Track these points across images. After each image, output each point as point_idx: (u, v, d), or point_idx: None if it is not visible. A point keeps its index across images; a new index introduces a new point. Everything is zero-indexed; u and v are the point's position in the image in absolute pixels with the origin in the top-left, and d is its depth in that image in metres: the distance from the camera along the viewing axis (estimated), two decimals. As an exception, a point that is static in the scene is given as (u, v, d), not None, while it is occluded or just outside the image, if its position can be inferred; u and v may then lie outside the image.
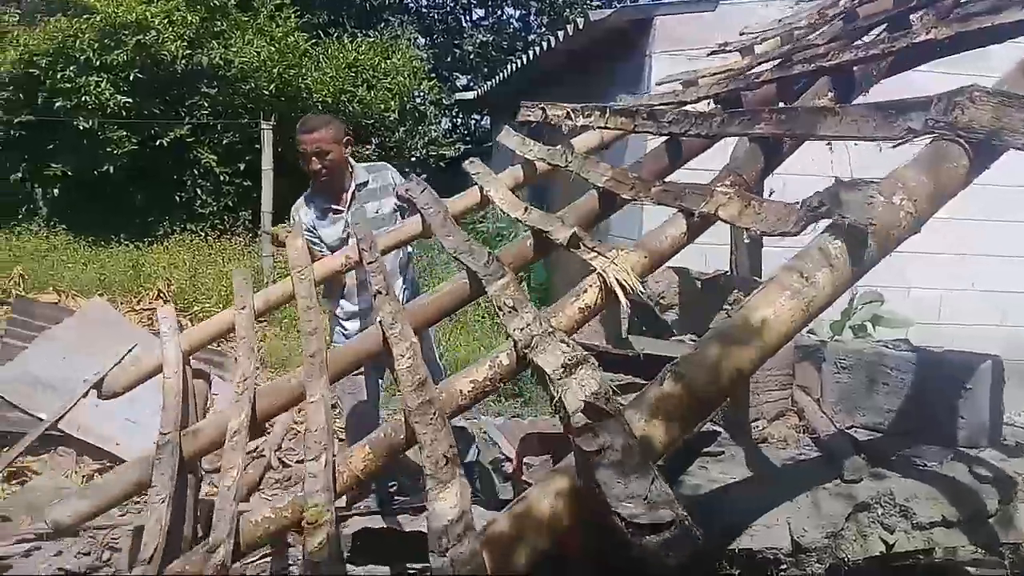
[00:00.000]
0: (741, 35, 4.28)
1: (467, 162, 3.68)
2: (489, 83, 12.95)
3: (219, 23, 11.43)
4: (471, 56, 18.63)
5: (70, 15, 10.55)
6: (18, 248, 9.07)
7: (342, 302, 4.10)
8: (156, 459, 2.37)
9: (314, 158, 3.91)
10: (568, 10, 17.26)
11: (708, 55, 4.38)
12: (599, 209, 2.81)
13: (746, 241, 4.45)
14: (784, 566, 2.65)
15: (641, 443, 1.47)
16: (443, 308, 2.65)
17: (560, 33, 8.19)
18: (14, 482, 4.67)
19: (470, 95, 15.15)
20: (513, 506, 1.61)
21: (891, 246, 1.71)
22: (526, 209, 2.83)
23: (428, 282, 8.53)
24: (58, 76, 10.16)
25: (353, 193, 4.03)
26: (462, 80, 19.26)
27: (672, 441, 1.58)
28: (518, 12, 19.74)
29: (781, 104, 2.90)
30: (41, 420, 4.81)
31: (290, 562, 3.52)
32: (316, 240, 3.92)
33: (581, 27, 7.42)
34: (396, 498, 4.33)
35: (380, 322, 2.49)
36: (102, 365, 5.22)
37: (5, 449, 4.87)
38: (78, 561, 3.59)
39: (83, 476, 4.68)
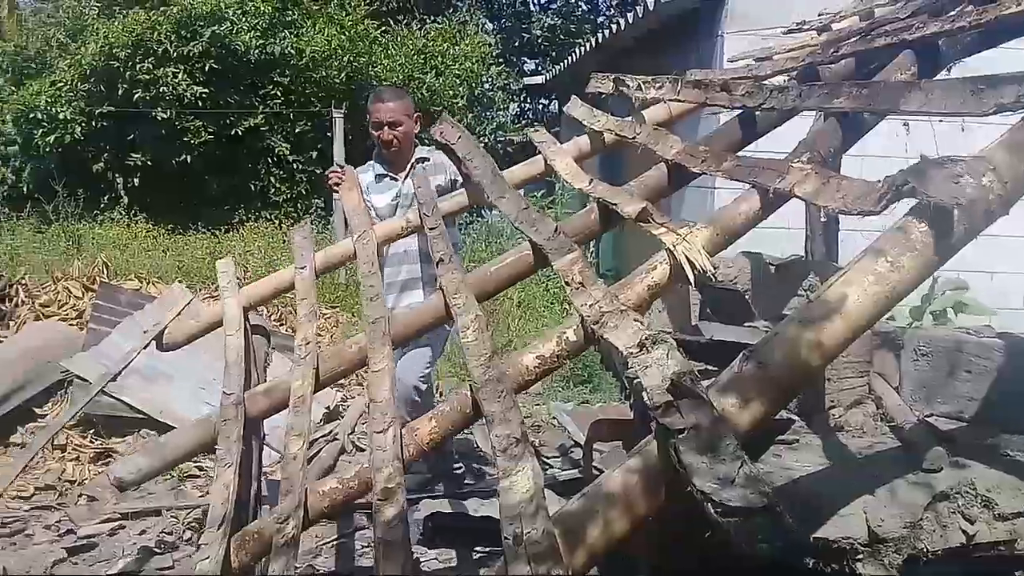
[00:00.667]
0: (819, 15, 4.15)
1: (531, 129, 3.62)
2: (557, 67, 12.88)
3: (291, 12, 11.60)
4: (539, 40, 18.54)
5: (147, 7, 10.83)
6: (101, 236, 9.36)
7: None
8: (221, 421, 2.36)
9: (387, 127, 4.00)
10: (638, -9, 17.04)
11: (784, 34, 4.27)
12: (668, 183, 2.70)
13: (822, 220, 4.33)
14: (860, 556, 2.58)
15: (725, 425, 1.43)
16: (503, 279, 2.58)
17: (629, 15, 8.10)
18: (100, 463, 4.85)
19: (538, 80, 15.07)
20: (587, 490, 1.57)
21: (979, 228, 1.62)
22: (591, 181, 2.74)
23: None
24: (137, 68, 10.44)
25: (412, 166, 4.04)
26: (530, 65, 19.17)
27: (752, 427, 1.54)
28: (586, -5, 19.57)
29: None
30: (126, 404, 4.97)
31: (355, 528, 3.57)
32: (367, 204, 3.83)
33: (651, 8, 7.32)
34: (465, 481, 4.36)
35: (442, 289, 2.44)
36: (184, 349, 5.38)
37: (91, 431, 5.06)
38: (161, 540, 3.70)
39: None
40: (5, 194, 11.46)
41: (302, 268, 3.00)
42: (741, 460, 1.35)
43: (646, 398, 1.48)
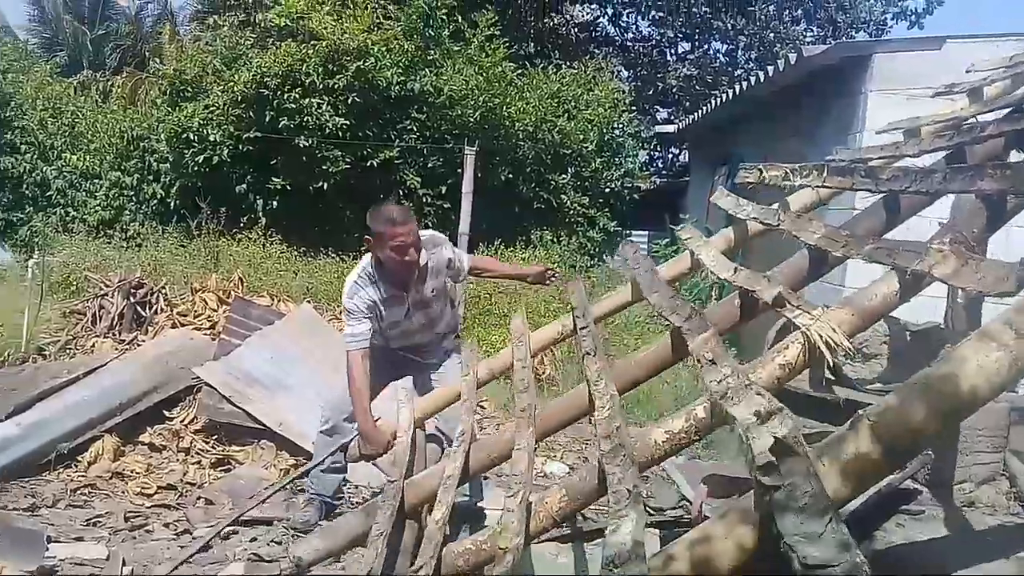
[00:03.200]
0: (967, 72, 4.02)
1: (679, 228, 3.75)
2: (690, 117, 12.83)
3: (432, 52, 11.97)
4: (673, 89, 18.51)
5: (299, 41, 11.37)
6: (238, 253, 9.80)
7: None
8: (380, 501, 2.63)
9: (412, 249, 3.76)
10: (779, 45, 16.82)
11: (932, 96, 4.14)
12: (809, 268, 2.79)
13: (960, 300, 4.20)
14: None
15: (824, 486, 1.44)
16: (649, 367, 2.72)
17: (770, 68, 8.00)
18: (219, 469, 5.04)
19: (670, 128, 15.04)
20: (691, 537, 1.62)
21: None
22: (735, 270, 2.83)
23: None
24: (284, 97, 10.95)
25: (418, 275, 3.90)
26: (663, 113, 19.16)
27: (858, 490, 1.56)
28: (725, 47, 19.44)
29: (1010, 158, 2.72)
30: (248, 414, 5.16)
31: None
32: (369, 317, 3.81)
33: (793, 63, 7.22)
34: None
35: (587, 380, 2.63)
36: (306, 365, 5.57)
37: (213, 437, 5.27)
38: (270, 549, 3.80)
39: (281, 469, 4.98)
40: (154, 208, 12.17)
41: (466, 376, 3.40)
42: (831, 518, 1.37)
43: (753, 459, 1.51)
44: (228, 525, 3.66)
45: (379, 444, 3.64)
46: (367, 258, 3.91)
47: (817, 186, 3.19)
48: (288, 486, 4.53)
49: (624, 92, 13.96)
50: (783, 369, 2.08)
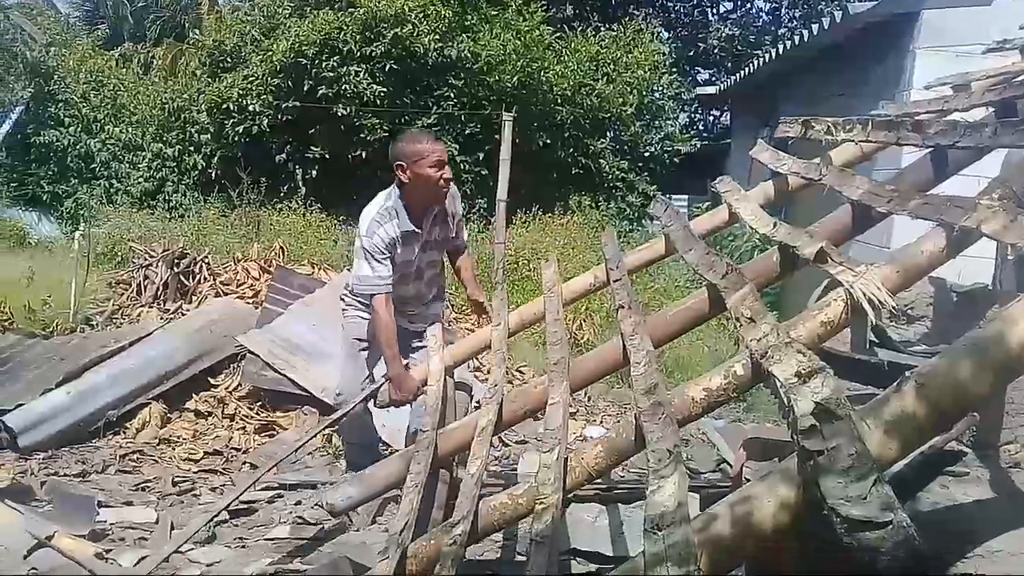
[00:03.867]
0: (1021, 28, 3.87)
1: (717, 180, 3.64)
2: (732, 78, 12.61)
3: (470, 17, 11.88)
4: (715, 50, 18.22)
5: (336, 8, 11.35)
6: (279, 223, 9.88)
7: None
8: (414, 453, 2.61)
9: (447, 167, 3.74)
10: (824, 2, 16.44)
11: (984, 53, 4.00)
12: (852, 224, 2.68)
13: (1009, 258, 4.08)
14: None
15: (871, 450, 1.42)
16: (683, 323, 2.67)
17: (815, 26, 7.81)
18: (263, 435, 5.11)
19: (712, 90, 14.80)
20: (729, 498, 1.60)
21: None
22: (775, 225, 2.76)
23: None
24: (323, 66, 10.96)
25: (433, 217, 3.86)
26: (704, 74, 18.88)
27: (904, 451, 1.53)
28: (768, 5, 19.09)
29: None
30: (292, 380, 5.21)
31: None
32: (389, 259, 3.71)
33: (839, 20, 7.04)
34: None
35: (621, 333, 2.58)
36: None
37: (257, 403, 5.34)
38: (314, 512, 3.85)
39: (323, 436, 5.03)
40: (196, 179, 12.29)
41: (497, 325, 3.40)
42: (875, 479, 1.35)
43: (795, 421, 1.49)
44: (245, 490, 3.66)
45: (409, 390, 3.59)
46: (383, 195, 3.81)
47: (861, 140, 3.09)
48: (330, 451, 4.59)
49: (664, 54, 13.76)
50: (825, 327, 2.02)
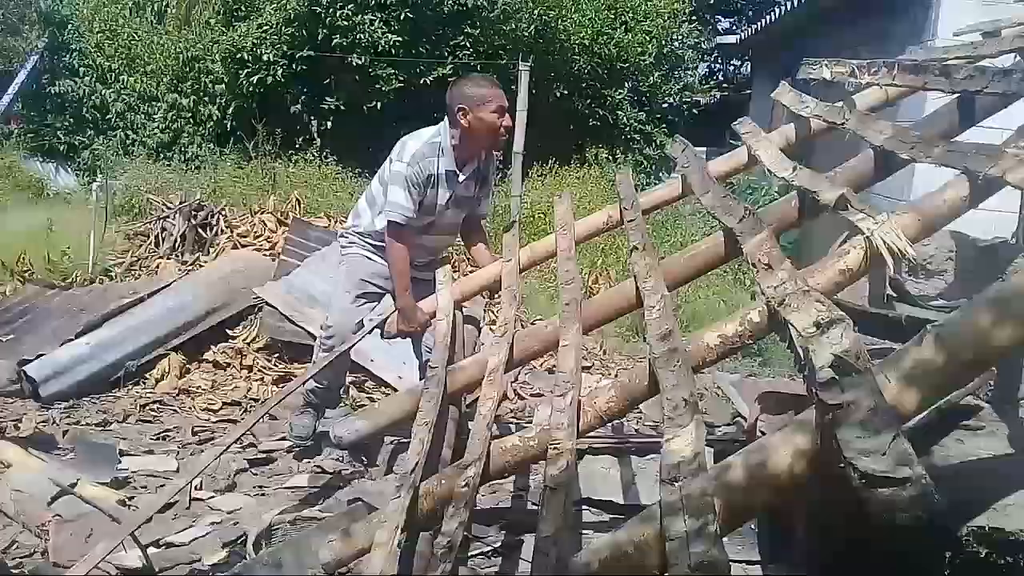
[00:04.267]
0: None
1: (736, 122, 3.57)
2: (754, 27, 12.38)
3: (486, -37, 11.70)
4: (736, -1, 17.89)
5: (352, -44, 11.19)
6: (295, 175, 9.85)
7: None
8: (424, 389, 2.59)
9: (507, 116, 3.71)
10: (846, -51, 16.06)
11: (1015, 1, 3.92)
12: (874, 170, 2.66)
13: None
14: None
15: (889, 403, 1.41)
16: (697, 266, 2.65)
17: (837, -27, 7.65)
18: (281, 386, 5.14)
19: (732, 39, 14.56)
20: (749, 452, 1.60)
21: None
22: (794, 169, 2.71)
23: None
24: (337, 14, 10.83)
25: (475, 169, 3.79)
26: (724, 23, 18.57)
27: (923, 405, 1.52)
28: (790, -48, 18.65)
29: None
30: (308, 332, 5.24)
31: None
32: (417, 194, 3.63)
33: (861, -34, 6.88)
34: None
35: (634, 276, 2.54)
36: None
37: (275, 355, 5.38)
38: (333, 463, 3.90)
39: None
40: (211, 130, 12.25)
41: (508, 260, 3.35)
42: (894, 434, 1.34)
43: (813, 374, 1.48)
44: (252, 426, 3.66)
45: (417, 322, 3.57)
46: (430, 131, 3.74)
47: (886, 84, 3.02)
48: (347, 402, 4.62)
49: (684, 1, 13.51)
50: (843, 275, 2.02)
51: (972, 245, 3.60)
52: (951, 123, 2.72)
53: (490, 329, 5.08)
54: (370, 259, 3.88)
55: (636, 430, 4.60)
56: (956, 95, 2.68)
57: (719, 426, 4.70)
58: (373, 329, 3.71)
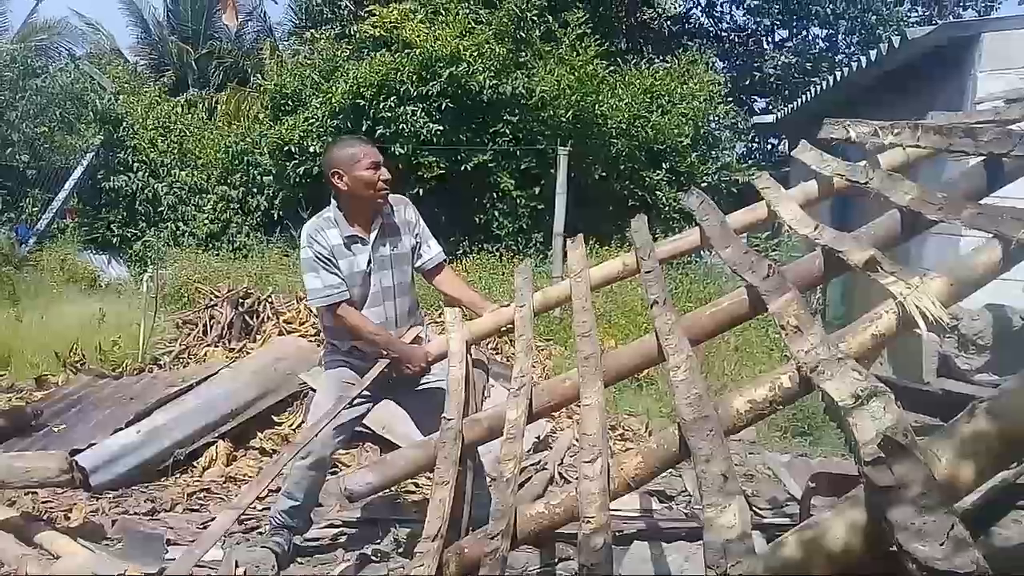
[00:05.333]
0: None
1: (755, 176, 3.55)
2: (789, 106, 12.51)
3: (524, 54, 12.00)
4: (771, 79, 18.10)
5: (393, 50, 11.57)
6: (340, 261, 10.00)
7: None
8: (440, 443, 2.50)
9: (384, 168, 3.63)
10: (881, 28, 16.24)
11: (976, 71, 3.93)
12: (900, 231, 2.59)
13: None
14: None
15: (942, 480, 1.37)
16: (719, 323, 2.58)
17: (872, 52, 7.73)
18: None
19: (769, 119, 14.69)
20: (803, 530, 1.54)
21: None
22: (817, 227, 2.68)
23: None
24: (381, 106, 11.16)
25: (381, 226, 3.73)
26: (760, 103, 18.75)
27: (976, 483, 1.46)
28: (824, 32, 18.89)
29: None
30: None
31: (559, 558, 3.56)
32: (331, 269, 3.60)
33: (897, 45, 6.95)
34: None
35: (656, 332, 2.47)
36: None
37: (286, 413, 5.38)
38: (377, 549, 3.86)
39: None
40: (259, 220, 12.56)
41: (521, 306, 3.21)
42: (952, 522, 1.29)
43: (859, 452, 1.45)
44: (258, 495, 3.61)
45: (420, 359, 3.49)
46: (325, 210, 3.74)
47: (909, 145, 2.98)
48: (395, 488, 4.59)
49: (719, 84, 13.71)
50: (875, 339, 1.97)
51: (1009, 316, 3.54)
52: (979, 185, 2.66)
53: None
54: (342, 365, 3.80)
55: (669, 506, 4.49)
56: (981, 158, 2.65)
57: (770, 508, 4.58)
58: (361, 390, 3.59)
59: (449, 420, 2.62)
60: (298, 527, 3.90)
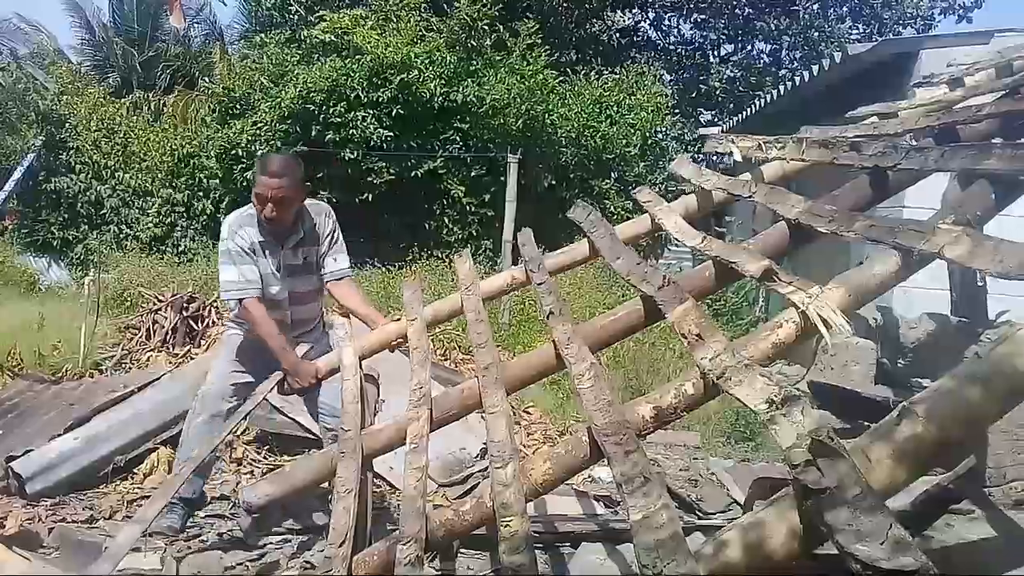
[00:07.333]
0: (948, 66, 3.94)
1: (636, 190, 3.65)
2: (735, 119, 12.73)
3: (474, 62, 12.04)
4: (717, 91, 18.39)
5: (344, 55, 11.52)
6: (287, 267, 9.92)
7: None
8: (340, 454, 2.51)
9: (270, 204, 3.67)
10: (824, 44, 16.62)
11: (911, 87, 4.10)
12: (790, 242, 2.65)
13: (979, 284, 4.14)
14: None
15: (874, 478, 1.41)
16: (615, 332, 2.62)
17: (815, 68, 7.91)
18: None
19: (714, 130, 14.92)
20: (743, 523, 1.57)
21: None
22: (703, 239, 2.75)
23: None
24: (330, 111, 11.10)
25: (294, 235, 3.87)
26: (706, 115, 19.03)
27: (903, 482, 1.50)
28: (769, 47, 19.27)
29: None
30: (299, 423, 5.20)
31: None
32: (250, 263, 3.74)
33: (839, 61, 7.14)
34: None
35: (554, 341, 2.49)
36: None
37: (265, 448, 5.34)
38: (321, 554, 3.84)
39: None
40: (204, 224, 12.39)
41: (412, 320, 3.26)
42: (890, 521, 1.31)
43: (784, 457, 1.47)
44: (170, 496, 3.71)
45: (308, 375, 3.53)
46: (248, 206, 3.85)
47: (796, 159, 3.05)
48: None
49: (666, 96, 13.91)
50: (776, 348, 2.01)
51: (947, 324, 3.67)
52: (864, 197, 2.72)
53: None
54: (239, 335, 3.96)
55: (616, 511, 4.54)
56: (864, 170, 2.72)
57: (714, 513, 4.65)
58: (265, 395, 3.65)
59: (347, 431, 2.64)
60: (194, 499, 4.05)
